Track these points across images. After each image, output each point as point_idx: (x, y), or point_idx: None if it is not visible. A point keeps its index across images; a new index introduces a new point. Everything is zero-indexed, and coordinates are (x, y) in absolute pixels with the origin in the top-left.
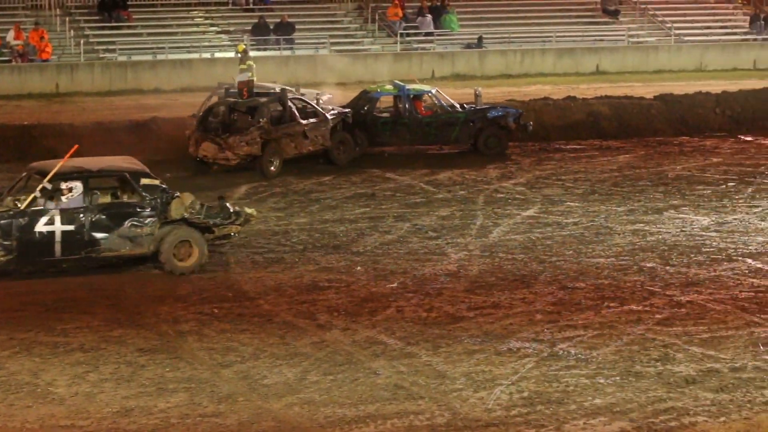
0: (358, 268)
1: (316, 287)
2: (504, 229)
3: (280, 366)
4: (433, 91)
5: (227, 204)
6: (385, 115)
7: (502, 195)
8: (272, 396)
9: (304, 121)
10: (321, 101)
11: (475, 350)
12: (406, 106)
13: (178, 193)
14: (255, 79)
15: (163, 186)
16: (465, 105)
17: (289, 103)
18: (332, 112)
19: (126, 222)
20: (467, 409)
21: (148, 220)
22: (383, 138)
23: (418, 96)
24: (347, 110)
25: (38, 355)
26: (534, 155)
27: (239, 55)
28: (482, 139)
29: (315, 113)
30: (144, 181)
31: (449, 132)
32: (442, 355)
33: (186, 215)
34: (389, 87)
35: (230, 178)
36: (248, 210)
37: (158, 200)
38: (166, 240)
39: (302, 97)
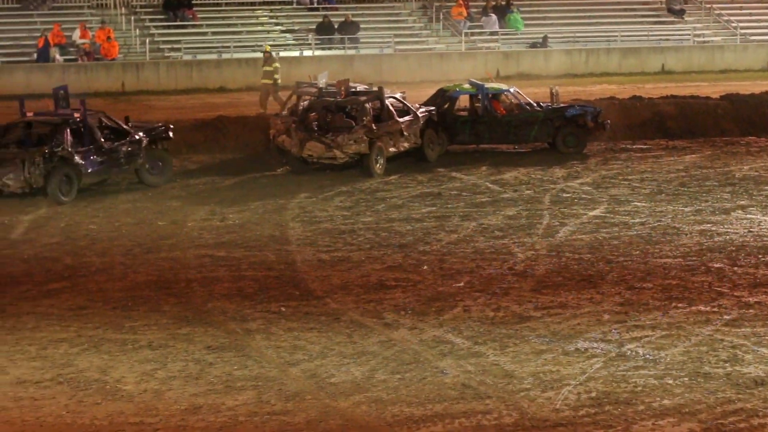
0: (425, 267)
1: (383, 286)
2: (570, 229)
3: (348, 364)
4: (512, 90)
5: None
6: (464, 114)
7: (568, 194)
8: (340, 394)
9: (400, 119)
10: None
11: (543, 350)
12: (485, 105)
13: None
14: (279, 80)
15: None
16: (541, 104)
17: (386, 101)
18: (421, 110)
19: None
20: (535, 409)
21: None
22: (463, 137)
23: (496, 95)
24: (432, 108)
25: (107, 352)
26: (600, 155)
27: (265, 56)
28: (561, 137)
29: (407, 111)
30: None
31: (528, 131)
32: (509, 355)
33: None
34: (467, 86)
35: (298, 178)
36: None
37: None
38: None
39: (395, 95)
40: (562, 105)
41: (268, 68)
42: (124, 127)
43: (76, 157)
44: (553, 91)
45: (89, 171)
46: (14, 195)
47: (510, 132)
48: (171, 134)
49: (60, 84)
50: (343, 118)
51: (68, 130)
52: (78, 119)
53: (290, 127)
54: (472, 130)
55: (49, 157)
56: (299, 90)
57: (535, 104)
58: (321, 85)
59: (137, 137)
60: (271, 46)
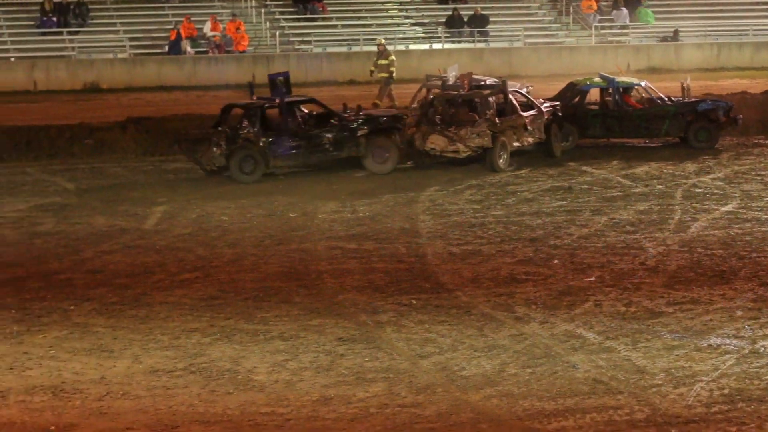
0: (556, 261)
1: (513, 280)
2: (702, 225)
3: (479, 358)
4: (643, 83)
5: None
6: (594, 107)
7: (700, 190)
8: (470, 387)
9: (524, 114)
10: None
11: (675, 346)
12: (616, 98)
13: None
14: (394, 73)
15: None
16: (673, 98)
17: (510, 95)
18: (545, 105)
19: None
20: (667, 404)
21: None
22: (593, 131)
23: (627, 89)
24: (557, 103)
25: (239, 342)
26: (732, 150)
27: (379, 48)
28: (692, 132)
29: (531, 105)
30: None
31: (659, 125)
32: (641, 350)
33: None
34: (598, 80)
35: (427, 171)
36: None
37: None
38: None
39: (519, 89)
40: (693, 99)
41: (383, 61)
42: (338, 113)
43: (262, 140)
44: (685, 85)
45: (279, 154)
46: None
47: (641, 126)
48: (399, 125)
49: (280, 71)
50: (467, 111)
51: (260, 114)
52: (276, 104)
53: (420, 120)
54: (603, 124)
55: (232, 138)
56: (428, 83)
57: (666, 98)
58: (450, 79)
59: (351, 125)
60: (386, 39)
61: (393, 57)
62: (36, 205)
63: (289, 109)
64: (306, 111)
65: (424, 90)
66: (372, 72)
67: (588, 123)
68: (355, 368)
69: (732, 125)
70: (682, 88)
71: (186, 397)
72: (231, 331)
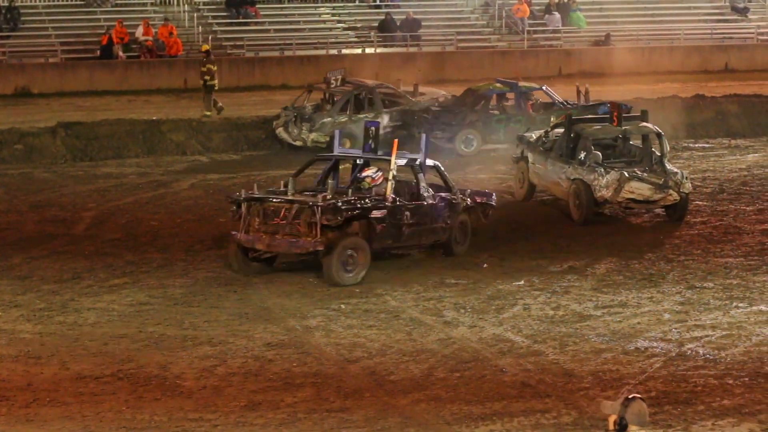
0: (485, 265)
1: (443, 284)
2: (632, 228)
3: (407, 362)
4: (543, 88)
5: None
6: (496, 112)
7: None
8: (398, 392)
9: None
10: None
11: (603, 349)
12: (520, 103)
13: None
14: (216, 84)
15: None
16: (569, 102)
17: None
18: None
19: None
20: (594, 408)
21: None
22: (497, 136)
23: (528, 93)
24: None
25: (167, 348)
26: None
27: (201, 56)
28: None
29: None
30: None
31: None
32: (569, 354)
33: None
34: (499, 85)
35: None
36: None
37: None
38: None
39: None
40: (592, 103)
41: (203, 69)
42: None
43: None
44: (581, 89)
45: None
46: None
47: None
48: None
49: None
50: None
51: None
52: None
53: (290, 120)
54: (507, 129)
55: None
56: (312, 86)
57: (565, 102)
58: (333, 83)
59: None
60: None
61: (211, 66)
62: None
63: None
64: None
65: (305, 92)
66: (207, 81)
67: (492, 128)
68: (284, 373)
69: None
70: (578, 93)
71: (113, 404)
72: (159, 337)
